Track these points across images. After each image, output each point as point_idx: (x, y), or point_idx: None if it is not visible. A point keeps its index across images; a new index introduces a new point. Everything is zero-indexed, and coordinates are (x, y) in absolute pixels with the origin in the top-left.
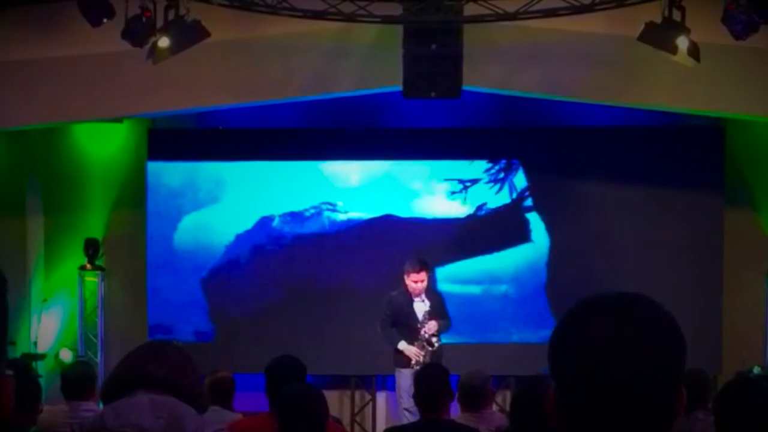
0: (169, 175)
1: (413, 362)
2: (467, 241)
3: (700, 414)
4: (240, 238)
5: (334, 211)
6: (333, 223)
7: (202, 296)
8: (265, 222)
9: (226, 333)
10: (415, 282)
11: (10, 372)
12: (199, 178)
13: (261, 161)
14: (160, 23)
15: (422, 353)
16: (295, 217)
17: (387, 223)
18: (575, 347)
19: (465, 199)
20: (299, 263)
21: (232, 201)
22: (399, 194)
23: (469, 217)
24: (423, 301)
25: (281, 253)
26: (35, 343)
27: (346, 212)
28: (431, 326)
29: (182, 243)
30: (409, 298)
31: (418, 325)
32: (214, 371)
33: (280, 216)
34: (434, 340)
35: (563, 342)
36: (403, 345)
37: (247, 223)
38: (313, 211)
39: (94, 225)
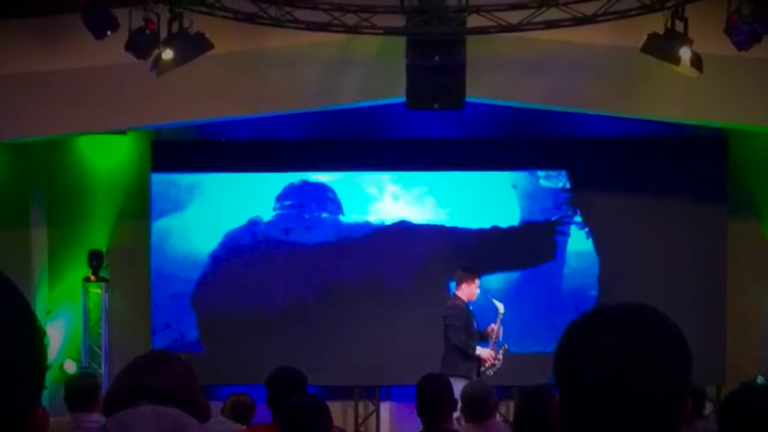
0: (172, 186)
1: (488, 365)
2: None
3: (698, 423)
4: (239, 248)
5: (337, 219)
6: (337, 230)
7: (200, 307)
8: (261, 230)
9: (228, 344)
10: (477, 287)
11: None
12: (203, 189)
13: (265, 173)
14: (163, 35)
15: (498, 358)
16: (295, 226)
17: (391, 232)
18: (582, 357)
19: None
20: (299, 272)
21: (237, 212)
22: (396, 203)
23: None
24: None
25: (282, 263)
26: None
27: (349, 220)
28: (498, 328)
29: (185, 254)
30: (468, 305)
31: (493, 326)
32: (235, 394)
33: (279, 225)
34: (505, 343)
35: (570, 352)
36: (479, 350)
37: (250, 233)
38: (314, 219)
39: (98, 236)
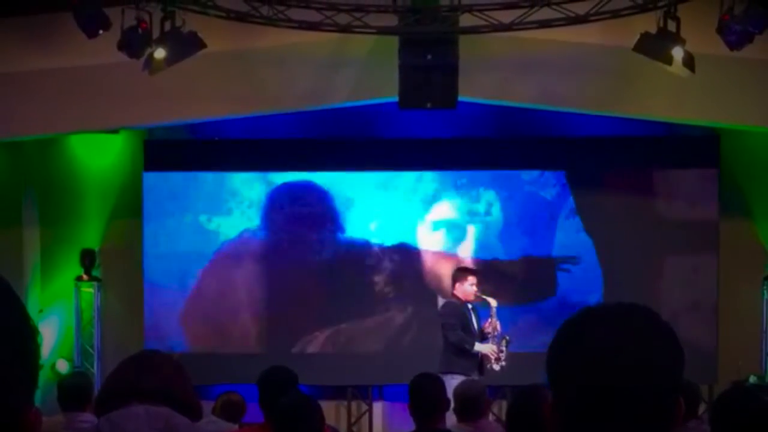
0: (165, 186)
1: (493, 359)
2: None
3: (691, 423)
4: (231, 252)
5: (329, 221)
6: (331, 233)
7: (193, 304)
8: (253, 232)
9: (220, 344)
10: (472, 285)
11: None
12: (195, 189)
13: (257, 172)
14: (156, 34)
15: (501, 350)
16: (286, 228)
17: (388, 239)
18: (575, 357)
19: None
20: (292, 273)
21: (230, 214)
22: (389, 202)
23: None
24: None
25: (275, 263)
26: None
27: (342, 224)
28: (495, 321)
29: (177, 253)
30: (464, 303)
31: (489, 321)
32: (226, 393)
33: (271, 226)
34: (505, 335)
35: (563, 352)
36: (479, 346)
37: (241, 237)
38: (306, 222)
39: (91, 236)
